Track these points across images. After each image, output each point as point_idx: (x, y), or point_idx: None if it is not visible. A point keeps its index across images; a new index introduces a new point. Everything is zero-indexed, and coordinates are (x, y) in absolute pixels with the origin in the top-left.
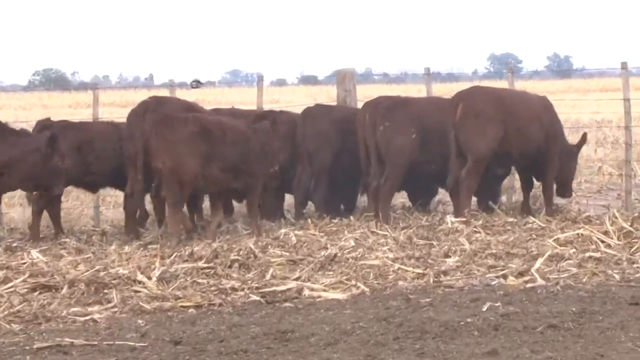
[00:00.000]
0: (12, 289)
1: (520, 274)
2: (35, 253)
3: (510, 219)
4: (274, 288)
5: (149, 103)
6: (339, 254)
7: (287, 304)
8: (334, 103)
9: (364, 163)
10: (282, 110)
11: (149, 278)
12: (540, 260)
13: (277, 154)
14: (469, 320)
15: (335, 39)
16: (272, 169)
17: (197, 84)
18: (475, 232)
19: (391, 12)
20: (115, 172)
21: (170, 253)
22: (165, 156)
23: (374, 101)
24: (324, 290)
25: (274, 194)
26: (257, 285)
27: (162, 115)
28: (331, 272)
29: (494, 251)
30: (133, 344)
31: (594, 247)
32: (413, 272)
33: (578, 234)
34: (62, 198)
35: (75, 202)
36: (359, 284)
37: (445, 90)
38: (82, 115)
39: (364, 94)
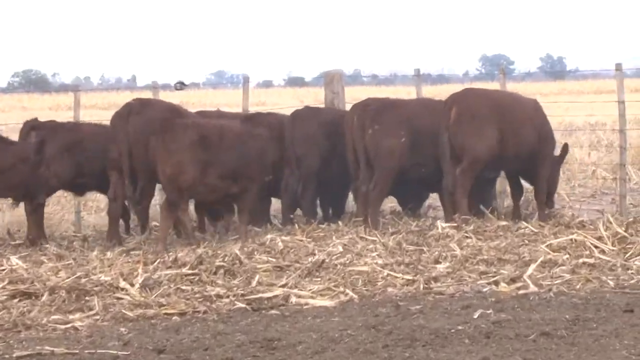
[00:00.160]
0: None
1: (513, 281)
2: (14, 259)
3: (503, 224)
4: (260, 295)
5: (133, 105)
6: (326, 260)
7: (273, 312)
8: (322, 105)
9: (352, 167)
10: (270, 112)
11: (132, 285)
12: (532, 267)
13: (272, 161)
14: (459, 327)
15: (323, 40)
16: (267, 177)
17: (181, 85)
18: (467, 237)
19: (380, 12)
20: (106, 174)
21: (153, 259)
22: (165, 162)
23: (362, 103)
24: (312, 297)
25: (260, 199)
26: (242, 292)
27: (164, 120)
28: (319, 279)
29: (485, 257)
30: (115, 352)
31: (587, 252)
32: (403, 279)
33: (571, 239)
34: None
35: (55, 207)
36: (347, 290)
37: (436, 92)
38: (62, 118)
39: (353, 96)
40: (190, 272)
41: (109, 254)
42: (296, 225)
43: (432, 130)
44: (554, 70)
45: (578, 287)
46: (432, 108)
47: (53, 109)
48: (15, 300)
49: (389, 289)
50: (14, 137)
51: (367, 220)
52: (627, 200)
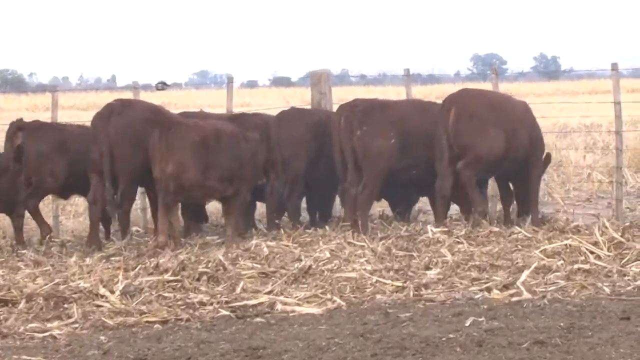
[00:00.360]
0: None
1: (505, 287)
2: None
3: (495, 229)
4: (244, 302)
5: (115, 106)
6: (313, 266)
7: (258, 319)
8: (308, 106)
9: (339, 169)
10: (255, 113)
11: (112, 292)
12: (526, 273)
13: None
14: (451, 336)
15: (310, 38)
16: (260, 180)
17: (162, 85)
18: (458, 242)
19: (369, 10)
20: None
21: (134, 265)
22: (167, 161)
23: (349, 104)
24: (298, 305)
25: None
26: (226, 299)
27: (166, 121)
28: (305, 285)
29: (477, 263)
30: None
31: (583, 258)
32: (392, 285)
33: (566, 244)
34: None
35: None
36: (334, 297)
37: (426, 93)
38: (40, 119)
39: (340, 97)
40: (172, 278)
41: (88, 260)
42: (282, 230)
43: (422, 132)
44: (548, 70)
45: (573, 293)
46: (422, 109)
47: (30, 109)
48: None
49: (378, 296)
50: None
51: (355, 224)
52: (624, 204)
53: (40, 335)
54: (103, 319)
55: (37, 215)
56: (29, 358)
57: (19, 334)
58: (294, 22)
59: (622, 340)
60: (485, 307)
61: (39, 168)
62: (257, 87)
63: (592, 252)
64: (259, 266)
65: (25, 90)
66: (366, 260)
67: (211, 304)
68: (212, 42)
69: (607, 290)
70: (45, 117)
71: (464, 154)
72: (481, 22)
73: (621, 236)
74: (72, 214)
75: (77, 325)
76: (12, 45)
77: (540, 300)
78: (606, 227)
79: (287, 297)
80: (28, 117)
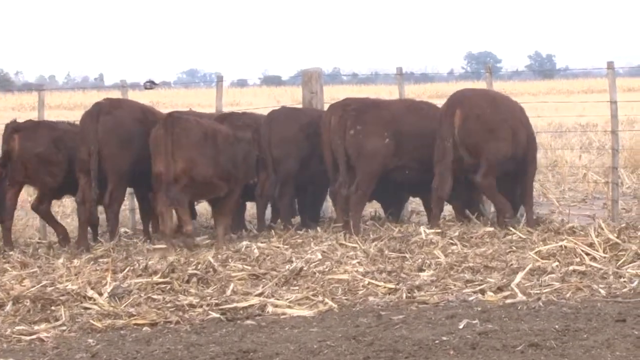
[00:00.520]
0: None
1: (500, 289)
2: None
3: (489, 230)
4: (235, 304)
5: (104, 105)
6: (304, 268)
7: (249, 322)
8: (299, 105)
9: (330, 170)
10: (245, 112)
11: (100, 294)
12: (520, 274)
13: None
14: (444, 338)
15: (301, 37)
16: (252, 180)
17: (151, 84)
18: (451, 244)
19: (361, 8)
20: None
21: (123, 267)
22: (176, 158)
23: (340, 103)
24: (289, 307)
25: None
26: (216, 301)
27: (172, 116)
28: (296, 287)
29: (471, 264)
30: None
31: (578, 260)
32: (384, 287)
33: (561, 246)
34: None
35: (19, 212)
36: (326, 299)
37: (419, 92)
38: (26, 118)
39: (332, 96)
40: (161, 280)
41: (75, 262)
42: (272, 232)
43: (415, 132)
44: (543, 68)
45: (568, 295)
46: (415, 109)
47: (16, 109)
48: None
49: (370, 298)
50: None
51: (347, 226)
52: (620, 205)
53: (28, 337)
54: (91, 321)
55: (50, 219)
56: None
57: (6, 336)
58: (284, 19)
59: (617, 343)
60: (479, 309)
61: (37, 169)
62: (247, 86)
63: (587, 254)
64: (249, 268)
65: (11, 89)
66: (358, 262)
67: (201, 306)
68: (202, 40)
69: (603, 292)
70: (32, 116)
71: (474, 155)
72: (475, 20)
73: (617, 237)
74: (59, 215)
75: (64, 327)
76: None
77: (535, 303)
78: (602, 228)
79: (278, 299)
80: (14, 117)
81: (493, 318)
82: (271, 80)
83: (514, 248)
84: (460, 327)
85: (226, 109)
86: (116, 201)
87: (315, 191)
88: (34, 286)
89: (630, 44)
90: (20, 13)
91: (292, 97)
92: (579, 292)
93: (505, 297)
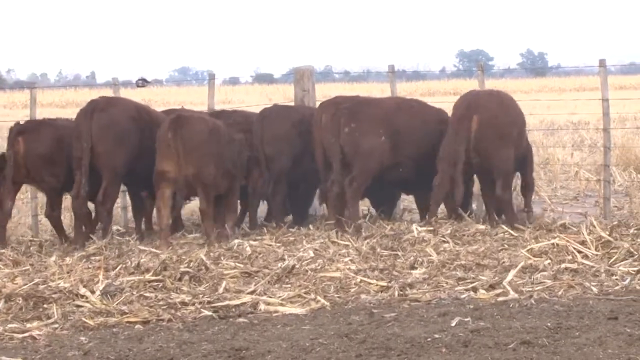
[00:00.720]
0: None
1: (492, 287)
2: None
3: (481, 228)
4: (227, 302)
5: (98, 102)
6: (297, 266)
7: (241, 320)
8: (291, 103)
9: (321, 168)
10: (236, 110)
11: (92, 292)
12: (512, 272)
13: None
14: (436, 336)
15: (293, 34)
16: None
17: (143, 82)
18: (443, 241)
19: (353, 5)
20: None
21: (115, 265)
22: (186, 160)
23: (331, 101)
24: (281, 305)
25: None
26: (209, 299)
27: (178, 116)
28: (289, 285)
29: (463, 262)
30: None
31: (570, 257)
32: (377, 285)
33: (553, 243)
34: None
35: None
36: (318, 297)
37: (411, 89)
38: (17, 116)
39: (324, 94)
40: (153, 278)
41: (68, 260)
42: (265, 229)
43: (409, 130)
44: (535, 66)
45: (560, 293)
46: (406, 106)
47: (8, 107)
48: None
49: (363, 296)
50: None
51: (339, 223)
52: (612, 202)
53: (20, 335)
54: (83, 319)
55: (59, 227)
56: (8, 359)
57: None
58: (276, 17)
59: (609, 341)
60: (471, 307)
61: (40, 170)
62: (239, 84)
63: (579, 252)
64: (241, 266)
65: (2, 87)
66: (350, 260)
67: (193, 304)
68: (194, 38)
69: (595, 289)
70: (24, 114)
71: (485, 160)
72: (467, 17)
73: (609, 235)
74: None
75: (57, 325)
76: None
77: (527, 300)
78: (594, 226)
79: (270, 297)
80: (5, 115)
81: (485, 316)
82: (263, 78)
83: (506, 246)
84: (453, 324)
85: (218, 107)
86: (110, 199)
87: (306, 189)
88: (26, 284)
89: (622, 42)
90: (12, 11)
91: (284, 95)
92: (571, 289)
93: (498, 295)
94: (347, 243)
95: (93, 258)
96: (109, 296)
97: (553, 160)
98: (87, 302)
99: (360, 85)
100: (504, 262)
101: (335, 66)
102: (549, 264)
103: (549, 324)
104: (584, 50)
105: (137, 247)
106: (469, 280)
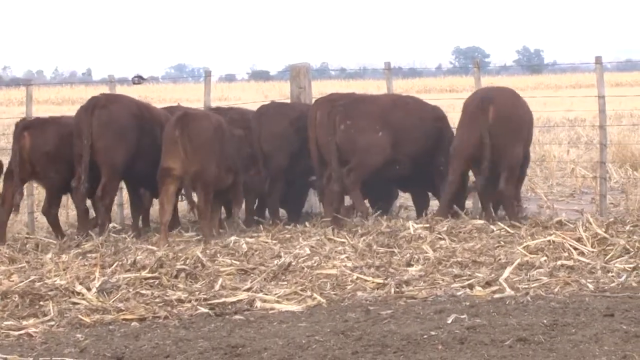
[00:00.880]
0: None
1: (488, 284)
2: None
3: (477, 225)
4: (223, 299)
5: (99, 99)
6: (293, 263)
7: (237, 317)
8: (287, 100)
9: (316, 165)
10: (232, 107)
11: (89, 289)
12: (508, 269)
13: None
14: (432, 333)
15: (289, 31)
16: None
17: (139, 79)
18: (440, 238)
19: (349, 3)
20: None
21: (111, 262)
22: (192, 158)
23: (326, 99)
24: (278, 302)
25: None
26: (205, 296)
27: (185, 113)
28: (285, 282)
29: (459, 259)
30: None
31: (566, 254)
32: (373, 282)
33: (549, 240)
34: None
35: None
36: (314, 294)
37: (407, 86)
38: (13, 113)
39: (320, 91)
40: (150, 275)
41: (64, 257)
42: (261, 227)
43: (404, 127)
44: (531, 63)
45: (556, 290)
46: (402, 103)
47: (4, 103)
48: None
49: (359, 293)
50: None
51: (335, 220)
52: (608, 199)
53: (16, 333)
54: (79, 316)
55: (56, 225)
56: (4, 356)
57: None
58: (272, 14)
59: (605, 337)
60: (468, 304)
61: (46, 167)
62: (235, 81)
63: (575, 249)
64: (237, 263)
65: None
66: (347, 257)
67: (189, 301)
68: (190, 35)
69: (591, 286)
70: (20, 111)
71: (497, 154)
72: (463, 14)
73: (605, 232)
74: None
75: (53, 322)
76: None
77: (523, 297)
78: (590, 223)
79: (266, 294)
80: (1, 112)
81: (481, 313)
82: (259, 75)
83: (502, 243)
84: (449, 321)
85: (214, 104)
86: (108, 195)
87: (302, 186)
88: (22, 281)
89: (619, 39)
90: (7, 8)
91: (280, 92)
92: (567, 286)
93: (494, 292)
94: (343, 240)
95: (89, 255)
96: (105, 293)
97: (549, 158)
98: (84, 299)
99: (357, 83)
100: (500, 259)
101: (332, 63)
102: (545, 261)
103: (545, 321)
104: (580, 47)
105: (133, 245)
106: (465, 278)
